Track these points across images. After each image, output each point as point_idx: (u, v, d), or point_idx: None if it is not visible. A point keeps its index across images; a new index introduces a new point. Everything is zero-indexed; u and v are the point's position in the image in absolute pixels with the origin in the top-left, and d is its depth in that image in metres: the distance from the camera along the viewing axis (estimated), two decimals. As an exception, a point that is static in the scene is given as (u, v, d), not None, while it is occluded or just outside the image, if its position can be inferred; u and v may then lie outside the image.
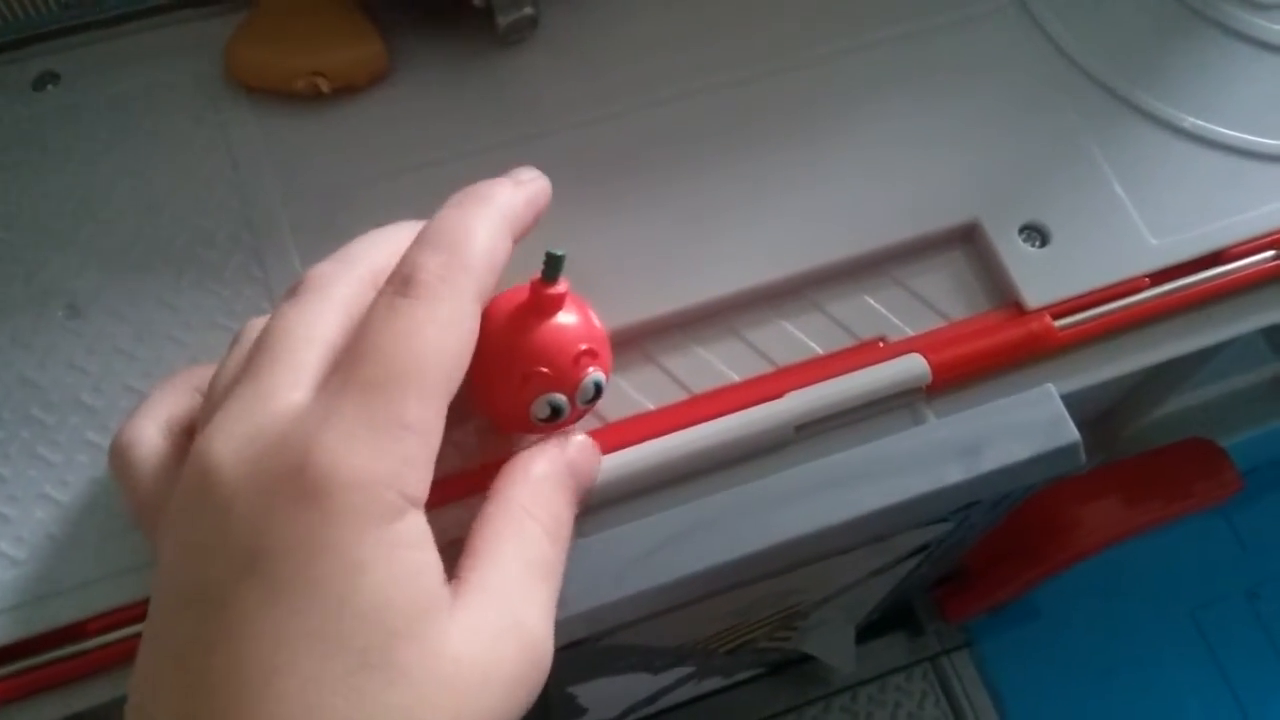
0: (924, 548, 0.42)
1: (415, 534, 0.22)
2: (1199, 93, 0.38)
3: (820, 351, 0.33)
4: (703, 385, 0.32)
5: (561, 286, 0.26)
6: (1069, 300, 0.33)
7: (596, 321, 0.28)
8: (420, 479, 0.23)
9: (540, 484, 0.26)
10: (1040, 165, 0.36)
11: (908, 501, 0.30)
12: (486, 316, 0.26)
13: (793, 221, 0.35)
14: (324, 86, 0.36)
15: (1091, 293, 0.33)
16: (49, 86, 0.37)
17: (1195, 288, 0.34)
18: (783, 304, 0.34)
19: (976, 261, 0.35)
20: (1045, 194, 0.35)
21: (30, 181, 0.35)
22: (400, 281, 0.24)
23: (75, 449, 0.31)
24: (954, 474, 0.30)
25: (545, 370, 0.26)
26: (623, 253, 0.34)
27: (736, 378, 0.33)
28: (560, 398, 0.27)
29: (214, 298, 0.33)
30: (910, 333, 0.33)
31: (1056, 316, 0.33)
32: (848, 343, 0.33)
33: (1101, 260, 0.34)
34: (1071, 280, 0.34)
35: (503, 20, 0.37)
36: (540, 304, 0.26)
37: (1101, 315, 0.33)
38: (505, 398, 0.27)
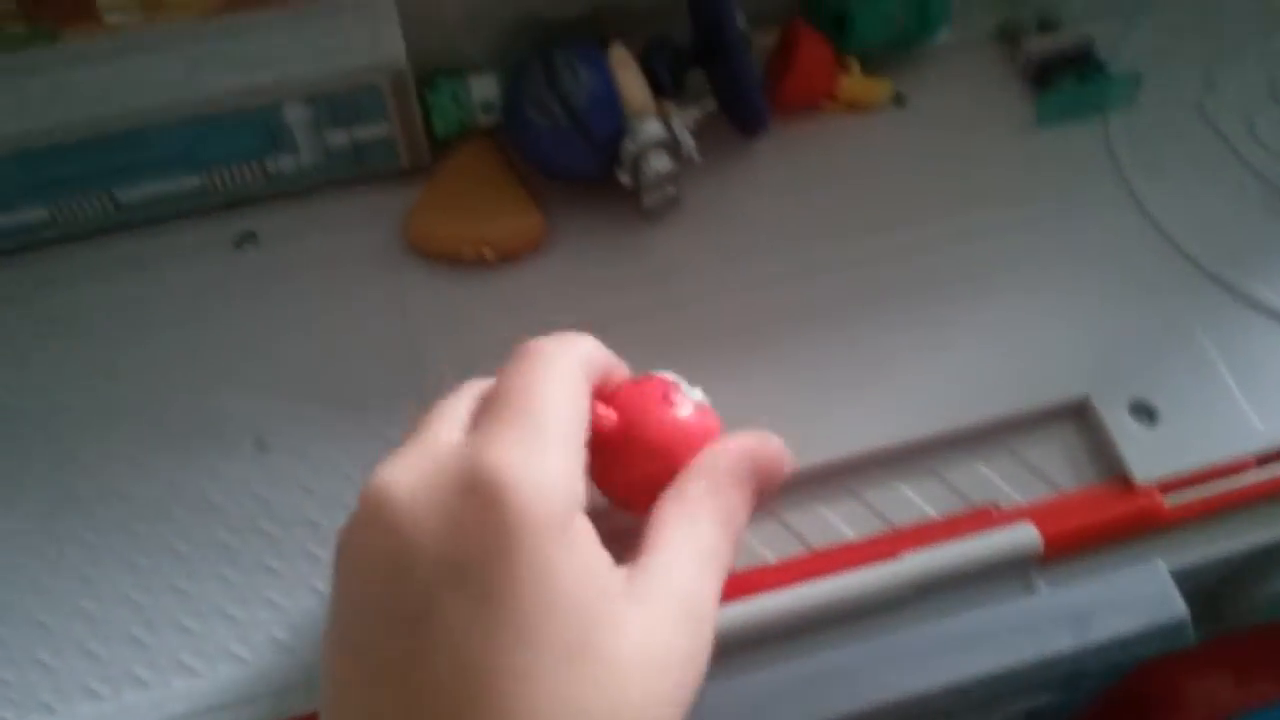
0: (1031, 715, 0.43)
1: (586, 532, 0.25)
2: (1304, 282, 0.39)
3: (934, 515, 0.35)
4: (821, 541, 0.35)
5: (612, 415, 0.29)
6: (1177, 478, 0.35)
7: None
8: (578, 483, 0.25)
9: (720, 476, 0.28)
10: (1149, 346, 0.38)
11: (1017, 668, 0.31)
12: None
13: (911, 390, 0.37)
14: (489, 254, 0.40)
15: (1199, 472, 0.35)
16: (247, 245, 0.43)
17: (1302, 471, 0.35)
18: (900, 467, 0.36)
19: (1087, 435, 0.36)
20: (1153, 374, 0.37)
21: (227, 329, 0.40)
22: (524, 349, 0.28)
23: (254, 570, 0.35)
24: (1063, 643, 0.31)
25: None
26: (751, 413, 0.36)
27: (853, 536, 0.35)
28: None
29: (384, 440, 0.37)
30: (1021, 500, 0.35)
31: (1164, 492, 0.34)
32: (961, 507, 0.35)
33: (1208, 440, 0.35)
34: (1179, 458, 0.35)
35: (648, 199, 0.41)
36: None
37: (1209, 494, 0.34)
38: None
